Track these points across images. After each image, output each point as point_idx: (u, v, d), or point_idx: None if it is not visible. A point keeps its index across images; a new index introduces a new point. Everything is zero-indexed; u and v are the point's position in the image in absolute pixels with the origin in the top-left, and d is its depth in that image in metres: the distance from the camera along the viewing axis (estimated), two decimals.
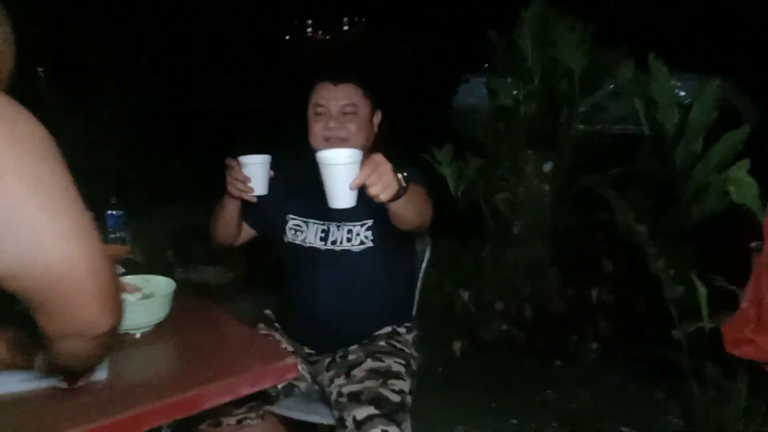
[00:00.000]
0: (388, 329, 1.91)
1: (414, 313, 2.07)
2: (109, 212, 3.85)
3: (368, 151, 1.83)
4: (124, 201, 3.99)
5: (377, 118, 1.90)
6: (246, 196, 1.77)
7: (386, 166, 1.34)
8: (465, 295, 3.36)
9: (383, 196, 1.35)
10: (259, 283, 3.55)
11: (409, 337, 1.94)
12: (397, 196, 1.39)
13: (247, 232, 2.03)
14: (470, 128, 4.08)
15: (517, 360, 3.18)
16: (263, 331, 1.97)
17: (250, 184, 1.76)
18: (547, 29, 3.50)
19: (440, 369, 3.10)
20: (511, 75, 3.74)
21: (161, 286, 1.60)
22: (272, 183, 1.89)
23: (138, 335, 1.49)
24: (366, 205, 1.78)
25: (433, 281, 3.76)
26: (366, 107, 1.85)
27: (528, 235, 3.75)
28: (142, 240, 4.37)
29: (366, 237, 1.83)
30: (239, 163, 1.76)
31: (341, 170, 1.30)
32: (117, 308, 0.97)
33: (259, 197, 1.85)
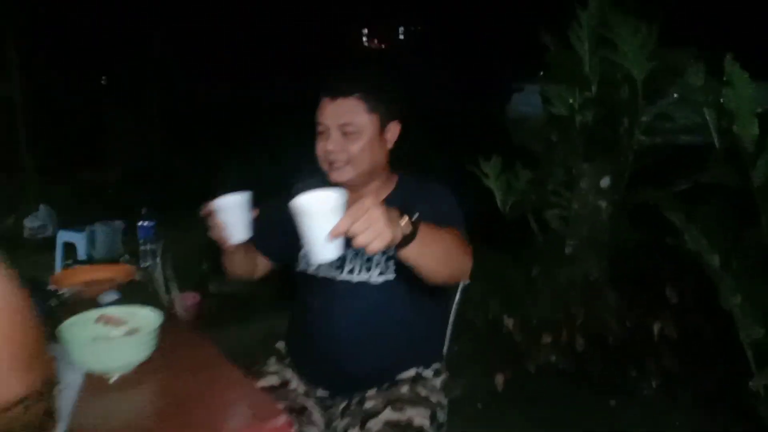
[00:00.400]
0: (411, 372, 1.66)
1: (445, 351, 1.81)
2: (140, 223, 3.75)
3: (381, 169, 1.64)
4: (158, 211, 3.88)
5: (392, 132, 1.64)
6: (224, 246, 1.55)
7: (375, 212, 1.09)
8: (509, 322, 3.06)
9: (374, 246, 1.09)
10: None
11: (437, 382, 1.68)
12: (402, 244, 1.17)
13: (267, 265, 1.83)
14: (521, 138, 3.82)
15: (566, 395, 2.87)
16: (273, 368, 1.75)
17: (229, 230, 1.49)
18: (607, 31, 3.19)
19: (479, 404, 2.82)
20: (566, 81, 3.45)
21: (148, 319, 1.39)
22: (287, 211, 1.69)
23: (113, 379, 1.29)
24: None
25: (477, 299, 3.50)
26: (373, 123, 1.59)
27: (582, 255, 3.45)
28: (175, 252, 4.27)
29: (387, 267, 1.59)
30: (213, 209, 1.49)
31: (318, 219, 1.08)
32: (31, 373, 0.76)
33: (268, 228, 1.66)
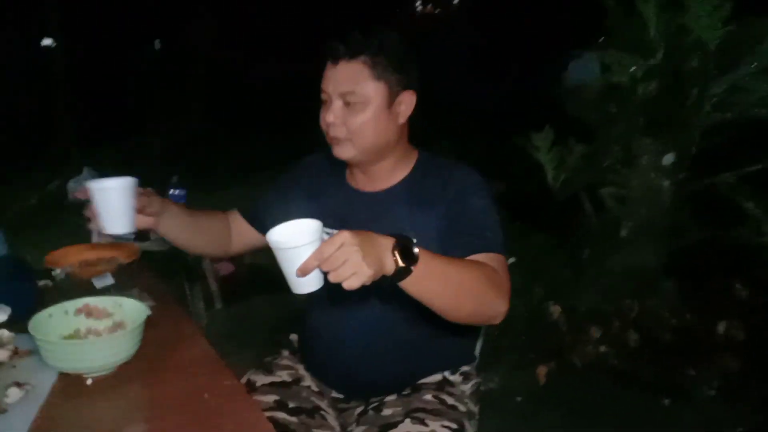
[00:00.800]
0: (437, 377, 1.46)
1: (477, 350, 1.60)
2: (171, 191, 3.63)
3: (393, 146, 1.39)
4: (197, 178, 3.74)
5: (405, 104, 1.38)
6: (95, 238, 1.34)
7: (350, 246, 0.98)
8: (555, 310, 2.83)
9: (350, 284, 0.98)
10: None
11: (466, 388, 1.48)
12: (396, 277, 1.05)
13: (250, 239, 1.60)
14: (576, 109, 3.53)
15: (614, 393, 2.62)
16: (284, 362, 1.58)
17: (104, 219, 1.22)
18: None
19: (519, 398, 2.61)
20: (628, 48, 3.13)
21: (134, 312, 1.23)
22: (291, 182, 1.53)
23: (90, 380, 1.13)
24: (409, 222, 1.36)
25: (518, 283, 3.27)
26: (380, 92, 1.34)
27: (638, 240, 3.18)
28: None
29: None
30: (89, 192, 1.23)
31: (289, 254, 1.00)
32: None
33: (272, 201, 1.50)
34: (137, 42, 9.55)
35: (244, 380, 1.54)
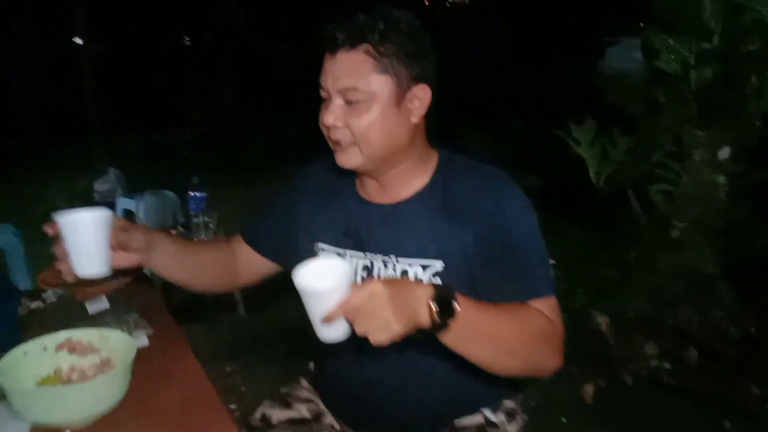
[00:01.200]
0: (477, 418, 1.25)
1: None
2: (191, 194, 3.48)
3: (407, 149, 1.16)
4: (209, 179, 3.59)
5: (419, 99, 1.15)
6: (65, 277, 1.10)
7: (380, 298, 0.88)
8: (603, 321, 2.60)
9: (377, 339, 0.89)
10: None
11: (512, 428, 1.28)
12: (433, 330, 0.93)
13: (260, 267, 1.39)
14: (618, 99, 3.29)
15: (669, 412, 2.38)
16: (304, 393, 1.39)
17: (76, 259, 1.04)
18: None
19: (564, 418, 2.38)
20: (679, 30, 2.87)
21: (123, 348, 1.05)
22: (295, 195, 1.32)
23: None
24: (433, 239, 1.14)
25: (558, 286, 3.06)
26: (387, 88, 1.11)
27: (691, 241, 2.92)
28: (230, 223, 4.00)
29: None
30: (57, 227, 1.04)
31: (314, 299, 0.89)
32: None
33: (276, 220, 1.32)
34: (164, 35, 9.49)
35: (258, 414, 1.37)
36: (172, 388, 1.09)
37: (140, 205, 3.73)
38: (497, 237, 1.10)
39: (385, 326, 0.88)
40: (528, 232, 1.11)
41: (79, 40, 8.16)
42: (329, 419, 1.34)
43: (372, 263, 1.19)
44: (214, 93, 8.83)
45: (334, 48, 1.10)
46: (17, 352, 1.02)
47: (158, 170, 6.23)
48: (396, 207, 1.19)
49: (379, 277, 1.17)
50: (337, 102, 1.11)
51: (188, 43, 9.84)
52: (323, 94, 1.14)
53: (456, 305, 0.92)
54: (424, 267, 1.13)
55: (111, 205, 4.22)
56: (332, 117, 1.11)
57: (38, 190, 6.42)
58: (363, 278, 1.20)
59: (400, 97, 1.11)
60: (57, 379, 1.04)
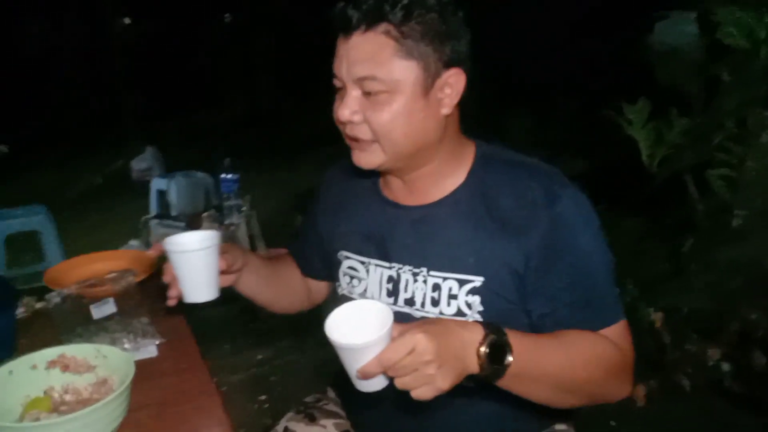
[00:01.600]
0: None
1: None
2: (222, 176, 3.39)
3: (437, 145, 0.99)
4: (246, 161, 3.48)
5: (452, 87, 0.97)
6: (169, 302, 1.01)
7: (422, 356, 0.77)
8: (657, 317, 2.41)
9: (420, 394, 0.79)
10: None
11: None
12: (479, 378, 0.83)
13: (318, 287, 1.30)
14: (672, 77, 3.05)
15: (730, 421, 2.19)
16: (331, 406, 1.27)
17: (185, 285, 0.98)
18: None
19: (612, 421, 2.22)
20: (747, 1, 2.62)
21: (121, 367, 0.93)
22: (318, 206, 1.22)
23: None
24: (471, 250, 0.98)
25: None
26: (413, 73, 0.93)
27: (754, 230, 2.69)
28: (263, 206, 3.91)
29: (469, 304, 0.99)
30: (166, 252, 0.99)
31: (349, 354, 0.79)
32: None
33: (310, 238, 1.22)
34: (204, 16, 9.41)
35: (281, 427, 1.26)
36: (179, 403, 0.98)
37: (172, 187, 3.65)
38: (554, 255, 0.94)
39: (429, 382, 0.78)
40: (592, 247, 0.95)
41: (127, 20, 8.16)
42: None
43: (399, 275, 1.04)
44: (254, 74, 8.73)
45: (347, 29, 0.94)
46: (2, 371, 0.91)
47: (196, 152, 6.18)
48: (426, 210, 1.03)
49: (406, 290, 1.03)
50: (354, 93, 0.95)
51: (228, 20, 9.73)
52: (337, 83, 0.97)
53: (509, 356, 0.82)
54: (461, 282, 0.98)
55: (147, 184, 4.18)
56: (348, 111, 0.95)
57: (75, 171, 6.46)
58: (388, 290, 1.05)
59: (428, 85, 0.94)
60: (47, 400, 0.93)
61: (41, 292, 1.35)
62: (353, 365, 0.79)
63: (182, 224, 3.30)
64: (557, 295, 0.94)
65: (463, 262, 0.98)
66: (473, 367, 0.81)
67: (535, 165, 1.01)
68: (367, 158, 0.99)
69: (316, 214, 1.21)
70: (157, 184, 4.03)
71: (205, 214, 3.35)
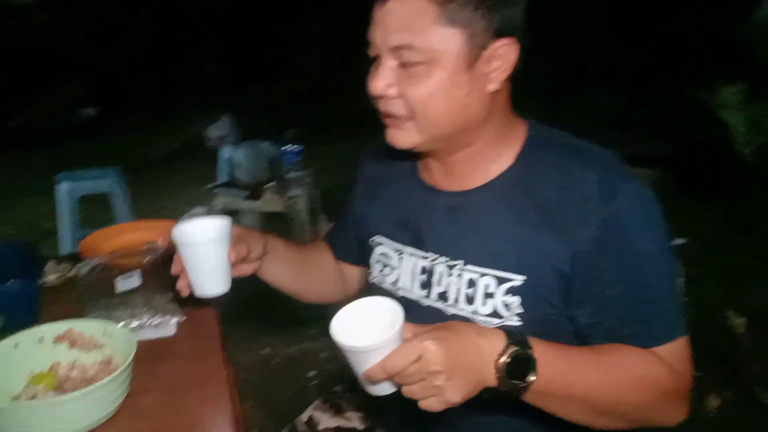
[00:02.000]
0: None
1: None
2: (285, 147, 3.34)
3: (481, 124, 0.87)
4: (307, 132, 3.43)
5: (500, 59, 0.84)
6: (181, 293, 0.94)
7: (431, 366, 0.68)
8: (739, 324, 2.20)
9: (427, 405, 0.70)
10: None
11: None
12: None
13: (353, 274, 1.20)
14: None
15: None
16: (358, 398, 1.19)
17: (194, 277, 0.90)
18: None
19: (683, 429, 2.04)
20: None
21: (124, 347, 0.88)
22: (356, 188, 1.13)
23: None
24: (513, 245, 0.86)
25: (690, 273, 2.65)
26: (457, 43, 0.81)
27: None
28: (325, 179, 3.85)
29: (507, 305, 0.86)
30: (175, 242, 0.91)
31: (356, 357, 0.72)
32: None
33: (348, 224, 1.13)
34: None
35: (305, 416, 1.20)
36: (192, 387, 0.93)
37: (234, 156, 3.65)
38: (605, 258, 0.81)
39: (437, 394, 0.70)
40: (652, 252, 0.81)
41: None
42: None
43: (433, 266, 0.93)
44: (328, 44, 8.67)
45: None
46: (6, 345, 0.88)
47: (269, 121, 6.21)
48: (465, 197, 0.92)
49: (440, 283, 0.92)
50: (389, 63, 0.84)
51: None
52: (372, 52, 0.86)
53: (532, 374, 0.72)
54: (500, 280, 0.86)
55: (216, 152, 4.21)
56: (382, 83, 0.84)
57: (155, 135, 6.62)
58: (422, 282, 0.95)
59: (474, 56, 0.82)
60: (52, 375, 0.89)
61: (76, 259, 1.33)
62: (359, 368, 0.72)
63: (246, 193, 3.29)
64: (606, 304, 0.82)
65: (502, 258, 0.86)
66: (490, 380, 0.72)
67: (593, 152, 0.87)
68: (401, 137, 0.88)
69: (355, 196, 1.13)
70: (226, 152, 4.04)
71: (267, 185, 3.32)
